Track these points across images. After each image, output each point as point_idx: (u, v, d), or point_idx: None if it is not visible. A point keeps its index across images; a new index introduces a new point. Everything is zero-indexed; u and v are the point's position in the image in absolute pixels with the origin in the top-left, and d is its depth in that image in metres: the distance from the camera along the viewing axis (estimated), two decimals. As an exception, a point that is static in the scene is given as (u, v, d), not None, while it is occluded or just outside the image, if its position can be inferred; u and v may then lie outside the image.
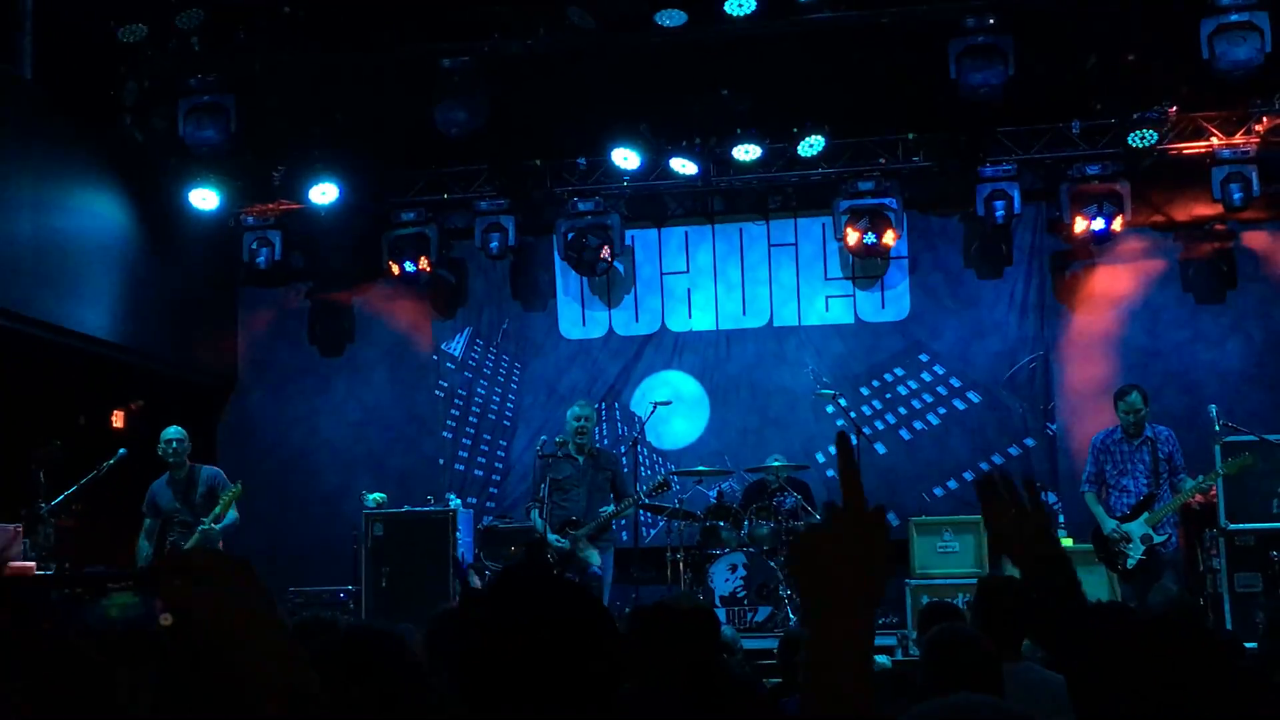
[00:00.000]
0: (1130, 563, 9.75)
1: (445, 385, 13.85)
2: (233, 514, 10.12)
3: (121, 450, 10.16)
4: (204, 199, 12.57)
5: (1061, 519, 12.08)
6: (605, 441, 13.47)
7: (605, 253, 12.78)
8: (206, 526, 9.87)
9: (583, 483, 10.42)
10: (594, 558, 10.30)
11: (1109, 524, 9.89)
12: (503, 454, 13.57)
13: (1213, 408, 10.39)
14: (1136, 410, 9.93)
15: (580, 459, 10.45)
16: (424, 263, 13.09)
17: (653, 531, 12.79)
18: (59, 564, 9.91)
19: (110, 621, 1.46)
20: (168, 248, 12.77)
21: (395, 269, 13.26)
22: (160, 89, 11.77)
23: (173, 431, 10.27)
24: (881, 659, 8.93)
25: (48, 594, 1.48)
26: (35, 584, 1.43)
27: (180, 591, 1.46)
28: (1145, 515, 9.78)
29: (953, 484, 12.88)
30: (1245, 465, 9.94)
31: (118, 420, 12.76)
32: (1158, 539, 9.73)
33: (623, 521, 11.01)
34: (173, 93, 11.67)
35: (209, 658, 1.47)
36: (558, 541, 10.15)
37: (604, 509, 10.46)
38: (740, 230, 13.59)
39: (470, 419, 13.77)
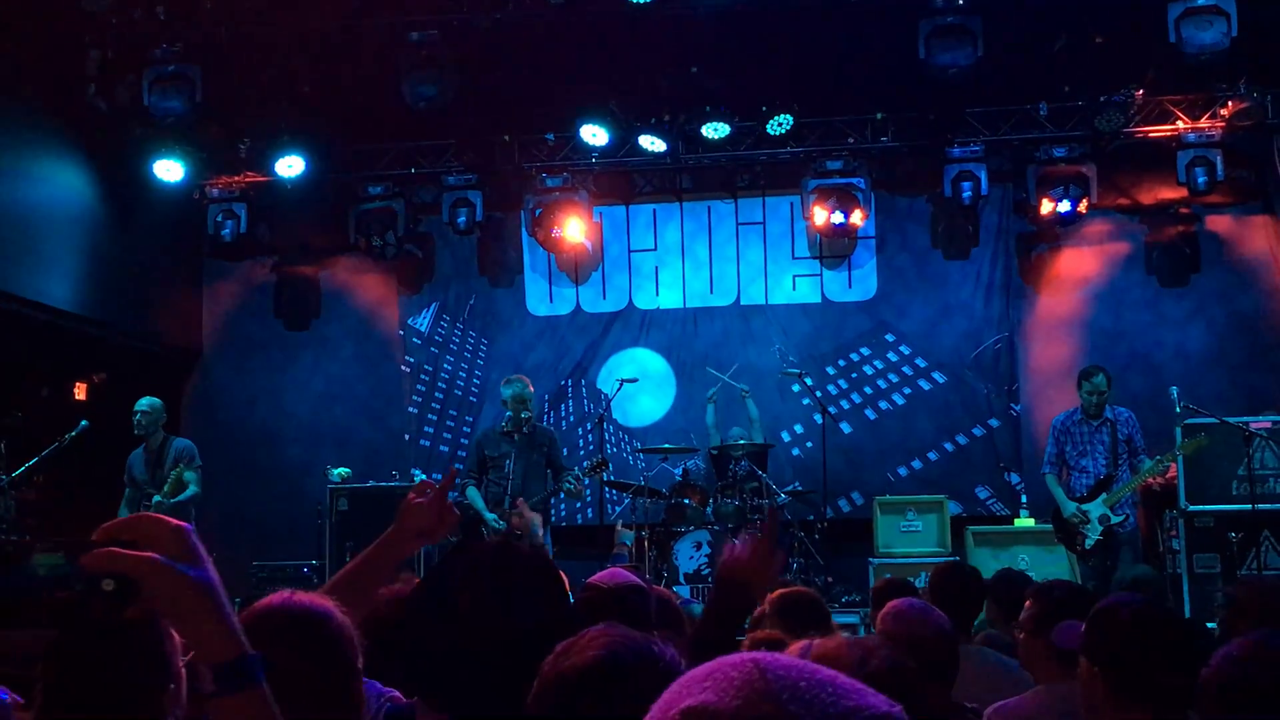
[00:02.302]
0: (1089, 543, 9.84)
1: (411, 360, 13.83)
2: (194, 488, 10.01)
3: (83, 422, 10.08)
4: (169, 170, 12.47)
5: (1024, 499, 12.18)
6: (571, 418, 13.50)
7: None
8: (159, 499, 9.77)
9: (511, 460, 9.99)
10: (537, 531, 10.02)
11: (1069, 507, 9.95)
12: (468, 429, 13.55)
13: (1174, 389, 10.46)
14: (1100, 391, 9.99)
15: (516, 436, 10.06)
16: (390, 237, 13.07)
17: (618, 509, 12.81)
18: (20, 535, 9.86)
19: (38, 580, 1.47)
20: (132, 219, 12.67)
21: (362, 243, 13.22)
22: (125, 59, 11.64)
23: (140, 403, 10.22)
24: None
25: None
26: None
27: (105, 558, 1.47)
28: (1103, 496, 9.85)
29: (917, 464, 12.96)
30: (1201, 446, 10.02)
31: (80, 392, 12.69)
32: (1115, 519, 9.81)
33: (558, 499, 10.79)
34: (137, 62, 11.55)
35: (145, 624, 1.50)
36: (496, 522, 9.83)
37: (542, 488, 10.10)
38: (708, 208, 13.60)
39: (436, 394, 13.76)
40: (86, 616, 1.48)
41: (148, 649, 2.59)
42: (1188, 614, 9.59)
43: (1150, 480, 10.30)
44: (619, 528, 11.64)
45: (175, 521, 1.55)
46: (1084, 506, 9.89)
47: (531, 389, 10.24)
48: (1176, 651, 3.22)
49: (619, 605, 3.62)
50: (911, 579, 11.00)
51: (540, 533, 10.05)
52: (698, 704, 1.07)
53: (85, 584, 1.46)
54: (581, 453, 10.59)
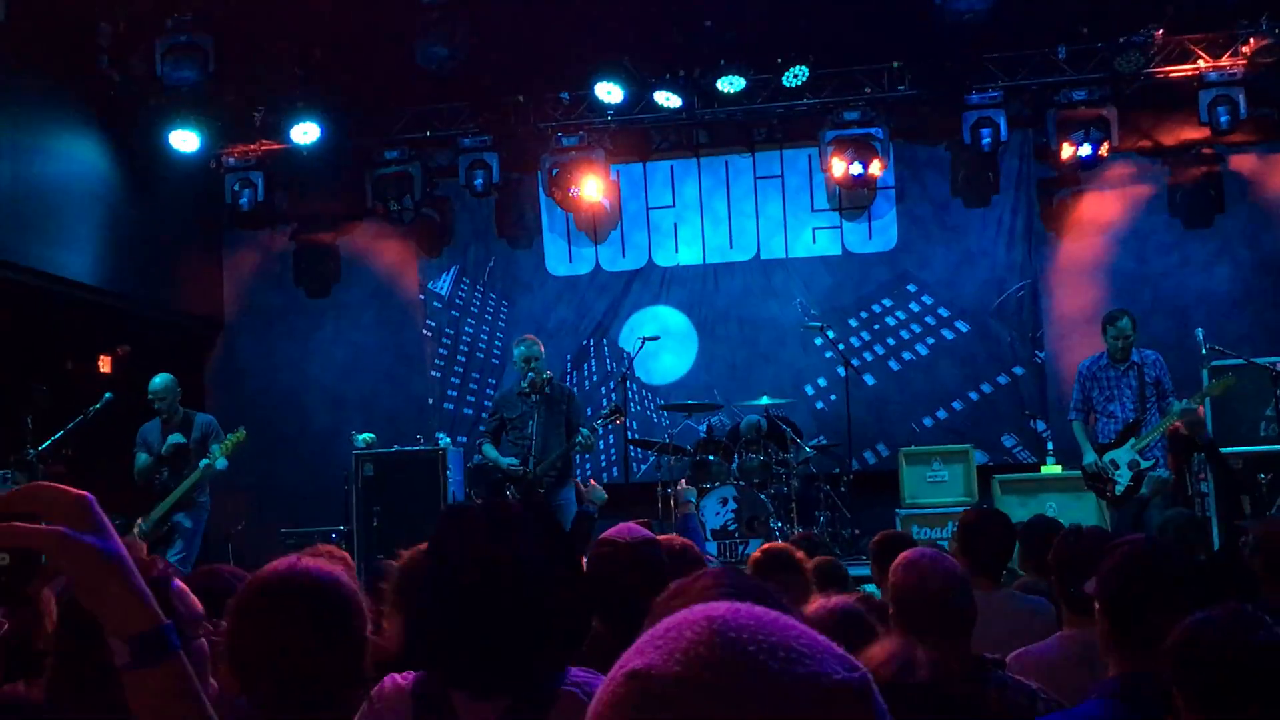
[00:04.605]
0: (1119, 489, 9.67)
1: (433, 325, 13.82)
2: (223, 461, 10.06)
3: (108, 395, 10.12)
4: (184, 140, 12.45)
5: (1050, 446, 12.12)
6: (594, 377, 13.49)
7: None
8: (208, 462, 9.82)
9: (531, 421, 9.89)
10: (561, 495, 9.92)
11: (1089, 456, 9.80)
12: (491, 392, 13.50)
13: (1199, 331, 10.36)
14: (1126, 335, 9.83)
15: (533, 396, 9.93)
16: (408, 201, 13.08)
17: (643, 467, 12.82)
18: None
19: None
20: (149, 191, 12.68)
21: (380, 208, 13.21)
22: (136, 29, 11.61)
23: (155, 384, 10.17)
24: (870, 588, 8.98)
25: None
26: None
27: (5, 533, 1.43)
28: (1132, 441, 9.72)
29: (942, 414, 12.91)
30: (1229, 385, 9.84)
31: (105, 365, 12.74)
32: (1145, 464, 9.66)
33: (582, 457, 10.73)
34: (149, 33, 11.52)
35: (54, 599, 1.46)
36: (512, 467, 9.80)
37: (560, 445, 9.99)
38: (726, 163, 13.52)
39: (459, 358, 13.76)
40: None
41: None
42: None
43: (1178, 423, 10.19)
44: (683, 485, 11.42)
45: (76, 491, 1.51)
46: (1112, 453, 9.75)
47: (541, 347, 10.13)
48: (1172, 591, 3.19)
49: (633, 560, 3.61)
50: (939, 530, 11.06)
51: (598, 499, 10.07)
52: (642, 666, 1.03)
53: None
54: (607, 408, 10.53)
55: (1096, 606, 3.30)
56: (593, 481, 9.85)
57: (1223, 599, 2.76)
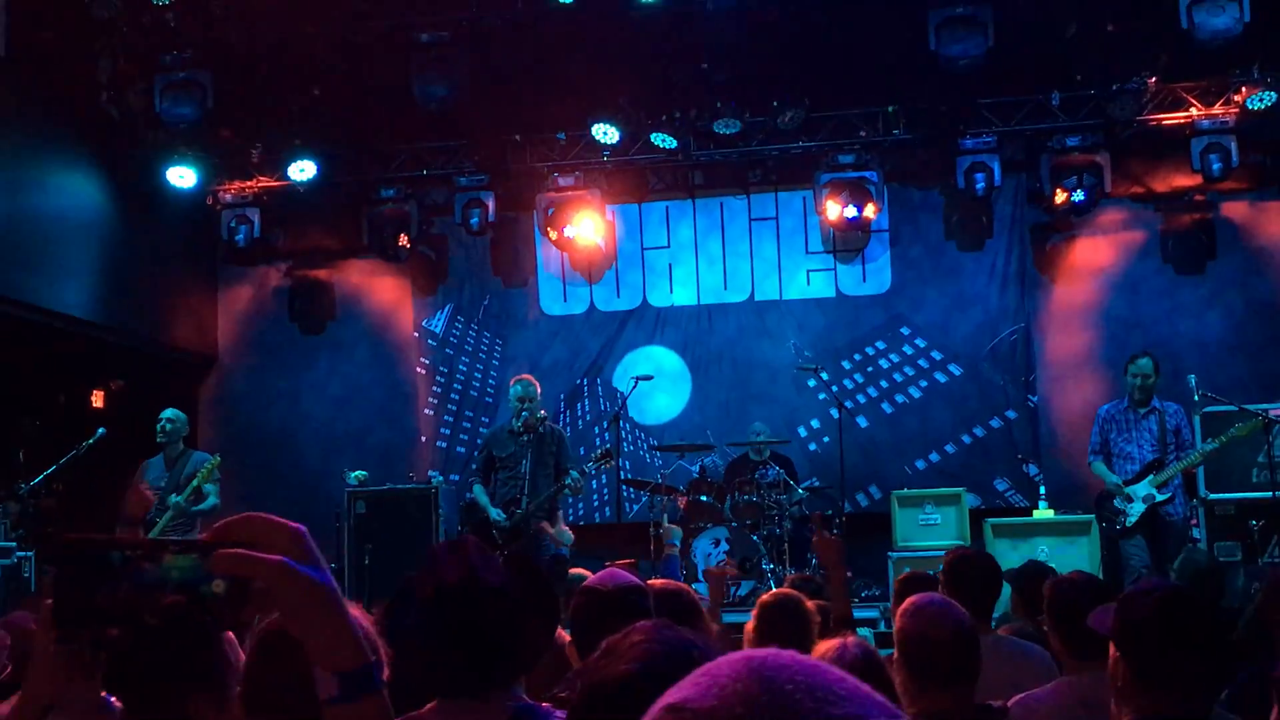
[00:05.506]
0: (1129, 521, 9.55)
1: (427, 362, 13.83)
2: (214, 498, 9.90)
3: (101, 429, 10.09)
4: (182, 177, 12.49)
5: (1042, 490, 12.10)
6: (588, 417, 13.48)
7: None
8: (177, 500, 9.60)
9: (524, 460, 9.87)
10: (556, 537, 9.89)
11: (1111, 480, 9.71)
12: (485, 430, 13.51)
13: (1191, 377, 10.36)
14: (1145, 375, 9.73)
15: (525, 436, 9.93)
16: (404, 239, 13.09)
17: (635, 507, 12.79)
18: (40, 542, 9.88)
19: (171, 584, 1.44)
20: (146, 226, 12.70)
21: (376, 245, 13.24)
22: (136, 65, 11.67)
23: (167, 411, 10.17)
24: (864, 631, 8.96)
25: (107, 555, 1.46)
26: (94, 545, 1.38)
27: (232, 559, 1.44)
28: (1151, 476, 9.56)
29: (935, 457, 12.90)
30: (1256, 429, 9.72)
31: (98, 400, 12.73)
32: (1160, 497, 9.52)
33: (573, 499, 10.75)
34: (148, 69, 11.58)
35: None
36: (503, 520, 9.77)
37: (549, 487, 9.94)
38: (721, 204, 13.58)
39: (452, 396, 13.76)
40: (200, 620, 1.44)
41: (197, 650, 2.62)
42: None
43: (1196, 465, 10.05)
44: (666, 526, 11.36)
45: (292, 524, 1.52)
46: (1130, 488, 9.61)
47: (538, 388, 10.13)
48: (1199, 637, 3.19)
49: (618, 608, 3.56)
50: (932, 572, 11.02)
51: (567, 541, 10.06)
52: (678, 700, 1.04)
53: (205, 587, 1.43)
54: (598, 451, 10.51)
55: (1112, 648, 3.28)
56: (561, 525, 9.88)
57: (1244, 644, 2.77)
